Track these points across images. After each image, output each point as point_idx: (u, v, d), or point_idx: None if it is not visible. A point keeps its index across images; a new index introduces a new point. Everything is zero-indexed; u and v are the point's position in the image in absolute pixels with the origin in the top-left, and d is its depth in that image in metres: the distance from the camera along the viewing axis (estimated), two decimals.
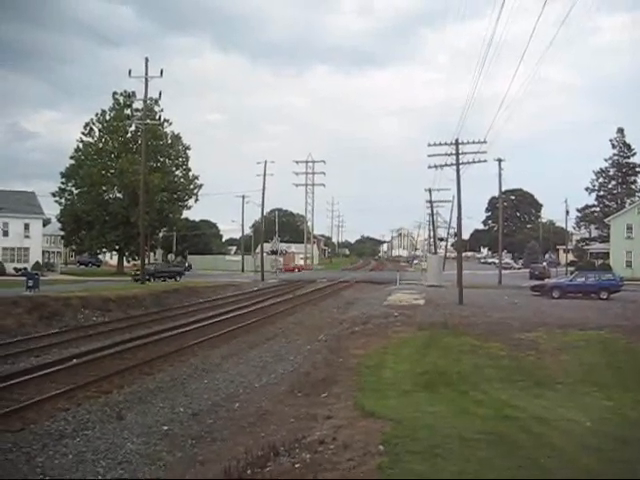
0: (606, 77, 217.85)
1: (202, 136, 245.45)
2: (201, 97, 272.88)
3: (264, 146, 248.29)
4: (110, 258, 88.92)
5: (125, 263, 71.91)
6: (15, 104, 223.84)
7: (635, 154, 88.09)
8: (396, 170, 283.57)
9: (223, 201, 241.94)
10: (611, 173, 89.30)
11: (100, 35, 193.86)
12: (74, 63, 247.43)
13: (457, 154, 35.57)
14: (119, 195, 68.59)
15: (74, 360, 18.74)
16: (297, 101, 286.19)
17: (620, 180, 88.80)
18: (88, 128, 68.51)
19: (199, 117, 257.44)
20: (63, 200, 68.32)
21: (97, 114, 68.69)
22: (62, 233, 74.97)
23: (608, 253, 73.16)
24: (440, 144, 35.97)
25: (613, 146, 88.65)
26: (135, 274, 54.59)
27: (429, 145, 36.09)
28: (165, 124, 70.46)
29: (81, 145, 68.17)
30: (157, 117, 66.86)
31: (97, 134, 68.81)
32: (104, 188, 68.14)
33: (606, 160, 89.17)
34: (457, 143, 35.55)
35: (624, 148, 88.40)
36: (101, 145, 68.57)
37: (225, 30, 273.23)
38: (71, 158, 67.82)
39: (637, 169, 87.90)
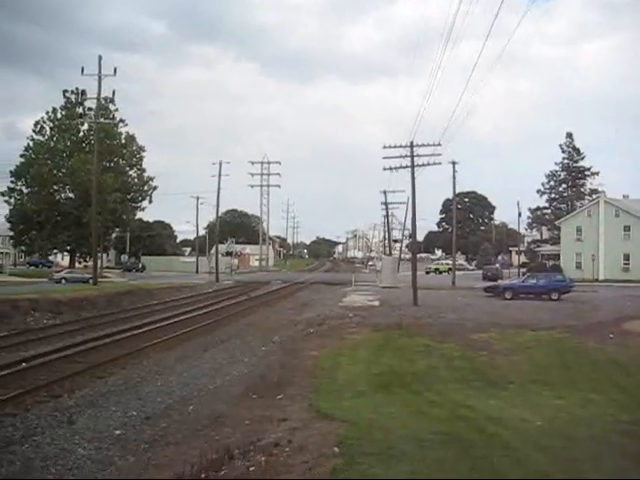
0: (561, 84, 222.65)
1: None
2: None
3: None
4: (62, 259, 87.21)
5: (77, 264, 70.57)
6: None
7: (584, 158, 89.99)
8: (355, 171, 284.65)
9: (178, 202, 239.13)
10: (561, 176, 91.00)
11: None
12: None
13: (412, 156, 35.86)
14: (71, 195, 67.26)
15: (23, 364, 18.30)
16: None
17: (570, 183, 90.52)
18: (39, 126, 67.03)
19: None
20: (12, 200, 66.66)
21: (48, 112, 67.33)
22: (11, 233, 73.13)
23: (559, 255, 74.57)
24: (396, 146, 36.21)
25: (563, 150, 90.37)
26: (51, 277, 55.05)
27: (384, 147, 36.31)
28: (120, 124, 69.32)
29: (32, 143, 66.66)
30: (111, 116, 65.83)
31: (48, 132, 67.38)
32: (55, 188, 66.79)
33: (557, 164, 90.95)
34: (412, 145, 35.84)
35: (573, 152, 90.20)
36: (52, 144, 67.09)
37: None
38: (21, 157, 66.23)
39: (586, 172, 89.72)
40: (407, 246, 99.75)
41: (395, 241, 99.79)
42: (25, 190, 66.68)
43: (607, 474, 8.01)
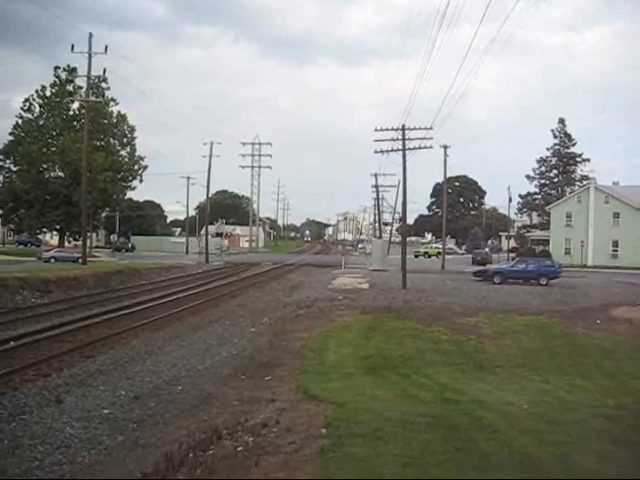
0: (555, 70, 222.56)
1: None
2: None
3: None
4: (51, 238, 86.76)
5: (66, 244, 70.22)
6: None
7: (575, 144, 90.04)
8: (347, 154, 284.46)
9: (169, 182, 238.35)
10: (552, 162, 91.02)
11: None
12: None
13: (403, 139, 35.76)
14: (61, 174, 66.68)
15: (11, 342, 18.26)
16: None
17: (561, 169, 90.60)
18: (28, 104, 66.35)
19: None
20: (1, 178, 66.24)
21: (37, 90, 66.63)
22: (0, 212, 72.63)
23: (548, 240, 74.87)
24: (387, 129, 36.08)
25: (554, 136, 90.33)
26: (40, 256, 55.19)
27: (376, 130, 36.17)
28: (111, 103, 68.75)
29: (20, 122, 66.02)
30: (102, 95, 65.18)
31: (37, 110, 66.72)
32: (45, 166, 66.16)
33: (548, 149, 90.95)
34: (403, 129, 35.73)
35: (565, 138, 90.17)
36: (42, 122, 66.48)
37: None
38: (10, 135, 65.64)
39: (577, 159, 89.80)
40: (397, 229, 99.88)
41: (385, 224, 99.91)
42: (14, 168, 66.18)
43: (591, 458, 8.10)
